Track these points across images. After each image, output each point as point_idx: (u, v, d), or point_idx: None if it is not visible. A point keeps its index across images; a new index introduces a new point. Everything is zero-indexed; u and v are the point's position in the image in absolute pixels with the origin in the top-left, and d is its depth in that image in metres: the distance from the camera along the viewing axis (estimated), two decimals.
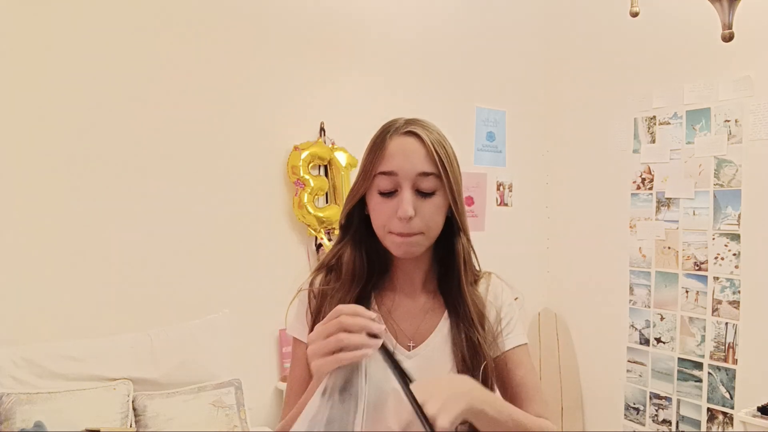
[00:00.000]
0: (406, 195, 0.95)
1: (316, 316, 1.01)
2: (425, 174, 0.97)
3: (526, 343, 1.06)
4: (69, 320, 2.27)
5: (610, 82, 3.32)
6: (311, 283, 1.05)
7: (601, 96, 3.37)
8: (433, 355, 1.00)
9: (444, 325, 1.02)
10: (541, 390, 1.05)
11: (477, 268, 1.09)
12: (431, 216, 0.97)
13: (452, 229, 1.03)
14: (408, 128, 1.00)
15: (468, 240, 1.05)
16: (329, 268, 1.06)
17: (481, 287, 1.07)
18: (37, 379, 2.08)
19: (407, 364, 0.97)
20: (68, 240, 2.29)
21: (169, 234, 2.49)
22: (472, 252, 1.06)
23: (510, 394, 1.02)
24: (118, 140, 2.39)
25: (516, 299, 1.10)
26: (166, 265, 2.48)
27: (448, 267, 1.04)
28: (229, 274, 2.64)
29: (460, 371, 0.98)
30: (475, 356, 0.98)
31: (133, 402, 2.17)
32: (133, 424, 2.14)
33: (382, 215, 0.98)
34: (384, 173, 0.97)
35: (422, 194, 0.97)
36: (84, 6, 2.33)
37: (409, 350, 1.00)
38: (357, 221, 1.04)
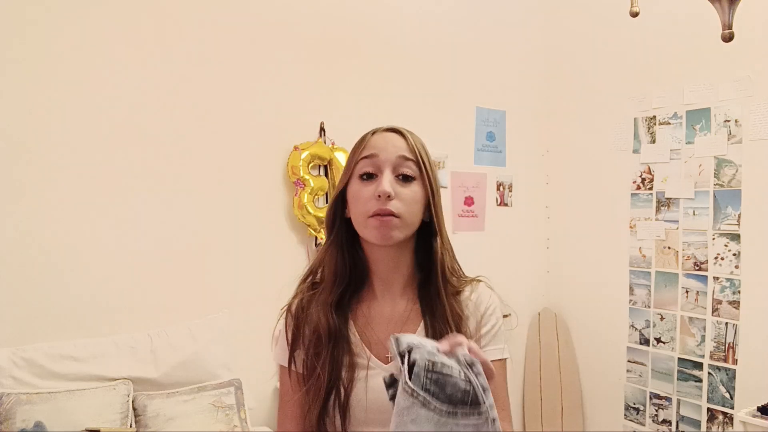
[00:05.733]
0: (387, 175, 0.98)
1: (295, 334, 1.02)
2: (406, 158, 1.00)
3: (504, 359, 1.04)
4: (69, 320, 2.27)
5: (610, 82, 3.31)
6: (289, 306, 1.06)
7: (601, 96, 3.37)
8: None
9: (421, 334, 1.01)
10: (510, 408, 1.04)
11: (461, 272, 1.08)
12: (410, 202, 0.99)
13: (431, 231, 1.04)
14: (390, 126, 1.06)
15: (444, 242, 1.05)
16: (316, 274, 1.07)
17: (465, 294, 1.05)
18: (37, 379, 2.07)
19: (385, 375, 0.97)
20: (67, 240, 2.29)
21: (169, 234, 2.49)
22: (447, 254, 1.05)
23: None
24: (118, 140, 2.39)
25: (506, 316, 1.08)
26: (166, 265, 2.48)
27: (428, 272, 1.04)
28: (229, 274, 2.63)
29: None
30: None
31: (133, 402, 2.17)
32: (133, 424, 2.14)
33: (361, 199, 0.99)
34: (365, 157, 1.01)
35: (402, 179, 1.00)
36: (82, 5, 2.33)
37: (387, 362, 0.99)
38: (339, 223, 1.05)
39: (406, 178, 1.00)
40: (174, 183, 2.51)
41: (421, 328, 1.02)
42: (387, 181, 0.97)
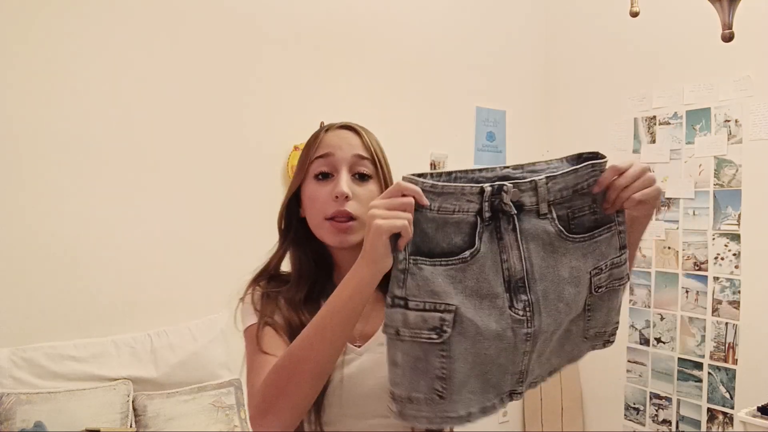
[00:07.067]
0: (343, 175, 0.97)
1: (264, 308, 1.00)
2: (362, 157, 0.99)
3: None
4: (69, 320, 2.27)
5: (609, 82, 3.32)
6: (255, 287, 1.04)
7: (601, 96, 3.37)
8: (382, 349, 0.97)
9: None
10: None
11: None
12: (366, 202, 0.95)
13: None
14: (344, 123, 1.04)
15: None
16: (271, 276, 1.06)
17: None
18: (37, 379, 2.08)
19: (358, 361, 0.96)
20: (68, 240, 2.29)
21: (169, 234, 2.49)
22: None
23: None
24: (117, 140, 2.39)
25: None
26: (166, 265, 2.48)
27: None
28: (229, 274, 2.61)
29: None
30: None
31: (133, 402, 2.17)
32: (133, 424, 2.14)
33: (317, 201, 0.98)
34: (320, 156, 0.99)
35: (359, 178, 0.99)
36: (79, 5, 2.33)
37: (359, 347, 0.99)
38: (295, 225, 1.05)
39: (362, 177, 0.99)
40: (174, 183, 2.51)
41: None
42: (344, 182, 0.96)
